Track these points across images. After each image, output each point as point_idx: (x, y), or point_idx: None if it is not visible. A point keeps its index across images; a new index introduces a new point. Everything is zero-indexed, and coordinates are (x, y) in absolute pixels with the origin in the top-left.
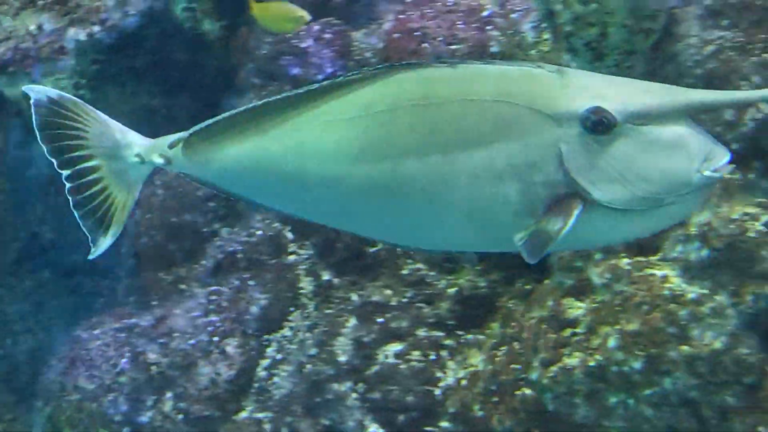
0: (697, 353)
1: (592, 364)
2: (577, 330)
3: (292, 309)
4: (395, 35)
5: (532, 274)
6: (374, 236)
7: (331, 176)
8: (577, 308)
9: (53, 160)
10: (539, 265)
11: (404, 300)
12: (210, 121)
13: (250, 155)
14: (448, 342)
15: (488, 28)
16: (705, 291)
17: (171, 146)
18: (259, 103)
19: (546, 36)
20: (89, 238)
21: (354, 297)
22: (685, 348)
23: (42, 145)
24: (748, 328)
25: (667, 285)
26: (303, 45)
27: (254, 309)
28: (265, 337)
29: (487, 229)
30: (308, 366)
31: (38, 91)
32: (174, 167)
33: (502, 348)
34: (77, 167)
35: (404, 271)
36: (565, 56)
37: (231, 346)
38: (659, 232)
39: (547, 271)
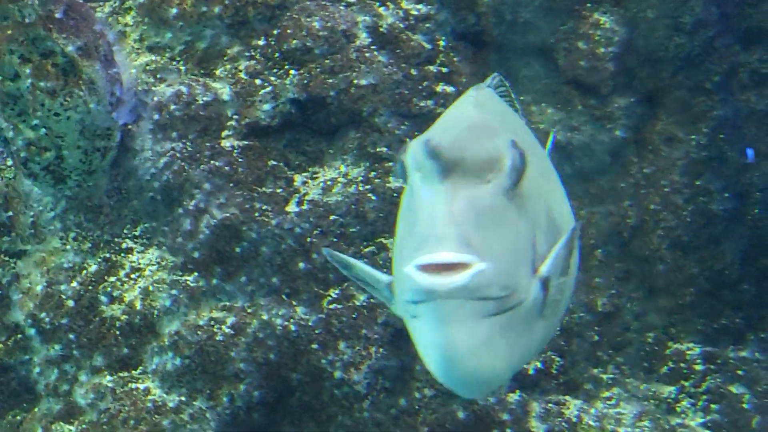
0: None
1: None
2: None
3: None
4: None
5: (24, 404)
6: None
7: None
8: (67, 431)
9: None
10: (29, 393)
11: None
12: None
13: None
14: None
15: None
16: (183, 398)
17: None
18: None
19: (10, 162)
20: None
21: None
22: None
23: None
24: (228, 429)
25: (150, 397)
26: None
27: None
28: None
29: None
30: None
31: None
32: None
33: None
34: None
35: None
36: (26, 182)
37: None
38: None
39: (37, 398)
